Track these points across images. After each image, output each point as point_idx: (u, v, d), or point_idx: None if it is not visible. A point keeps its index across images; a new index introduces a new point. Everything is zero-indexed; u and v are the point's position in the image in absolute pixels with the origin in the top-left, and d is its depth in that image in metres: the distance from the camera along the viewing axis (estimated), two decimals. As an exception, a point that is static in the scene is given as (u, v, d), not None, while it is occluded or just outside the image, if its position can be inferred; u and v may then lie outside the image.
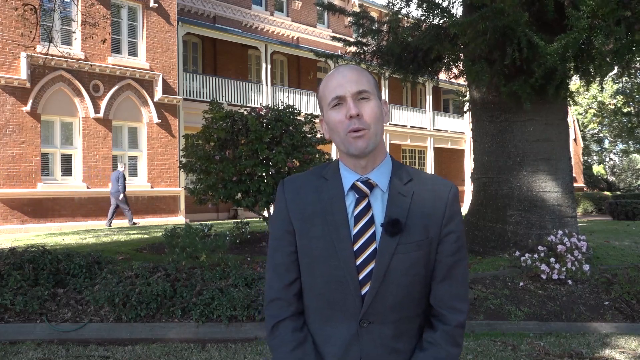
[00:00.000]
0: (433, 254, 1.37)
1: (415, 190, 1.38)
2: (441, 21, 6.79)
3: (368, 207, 1.36)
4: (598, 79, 6.46)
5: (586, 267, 5.66)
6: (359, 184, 1.37)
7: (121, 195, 13.41)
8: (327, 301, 1.36)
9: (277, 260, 1.43)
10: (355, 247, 1.33)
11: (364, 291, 1.33)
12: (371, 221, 1.35)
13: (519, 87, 6.09)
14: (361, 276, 1.33)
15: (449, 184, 1.42)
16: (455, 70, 8.44)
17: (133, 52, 15.41)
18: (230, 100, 17.07)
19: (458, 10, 8.78)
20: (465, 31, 5.66)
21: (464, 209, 12.15)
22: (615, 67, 6.44)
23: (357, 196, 1.37)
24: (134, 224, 13.83)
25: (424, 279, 1.36)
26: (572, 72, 6.36)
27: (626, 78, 24.55)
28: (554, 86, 6.09)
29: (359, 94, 1.34)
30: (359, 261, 1.33)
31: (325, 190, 1.40)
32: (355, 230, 1.34)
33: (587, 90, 24.62)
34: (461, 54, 7.43)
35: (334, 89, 1.35)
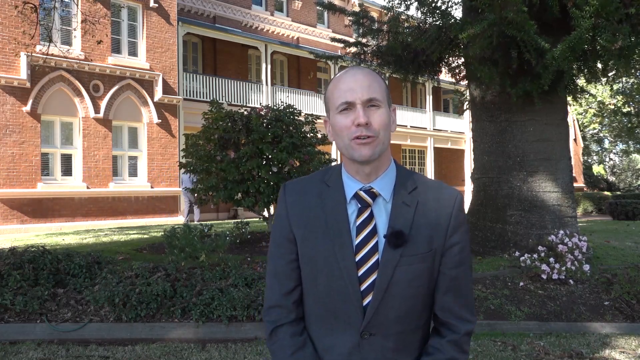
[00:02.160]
0: (437, 265, 1.34)
1: (420, 199, 1.34)
2: (441, 22, 6.79)
3: (371, 217, 1.33)
4: (604, 78, 6.48)
5: (586, 267, 5.66)
6: (362, 194, 1.34)
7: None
8: (329, 311, 1.34)
9: (278, 267, 1.40)
10: (357, 258, 1.31)
11: (365, 302, 1.31)
12: (374, 232, 1.32)
13: (532, 87, 6.09)
14: (363, 287, 1.30)
15: (455, 192, 1.38)
16: (456, 71, 8.44)
17: (133, 52, 15.41)
18: (230, 100, 17.07)
19: (457, 11, 8.78)
20: (474, 40, 5.67)
21: (464, 209, 12.14)
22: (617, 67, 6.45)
23: (359, 206, 1.34)
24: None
25: (427, 290, 1.34)
26: (577, 72, 6.37)
27: (626, 78, 24.55)
28: (563, 87, 6.13)
29: (369, 102, 1.29)
30: (360, 272, 1.30)
31: (327, 197, 1.36)
32: (357, 241, 1.31)
33: (596, 87, 24.54)
34: (462, 55, 7.44)
35: (344, 93, 1.30)
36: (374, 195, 1.34)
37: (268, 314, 1.41)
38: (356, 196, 1.35)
